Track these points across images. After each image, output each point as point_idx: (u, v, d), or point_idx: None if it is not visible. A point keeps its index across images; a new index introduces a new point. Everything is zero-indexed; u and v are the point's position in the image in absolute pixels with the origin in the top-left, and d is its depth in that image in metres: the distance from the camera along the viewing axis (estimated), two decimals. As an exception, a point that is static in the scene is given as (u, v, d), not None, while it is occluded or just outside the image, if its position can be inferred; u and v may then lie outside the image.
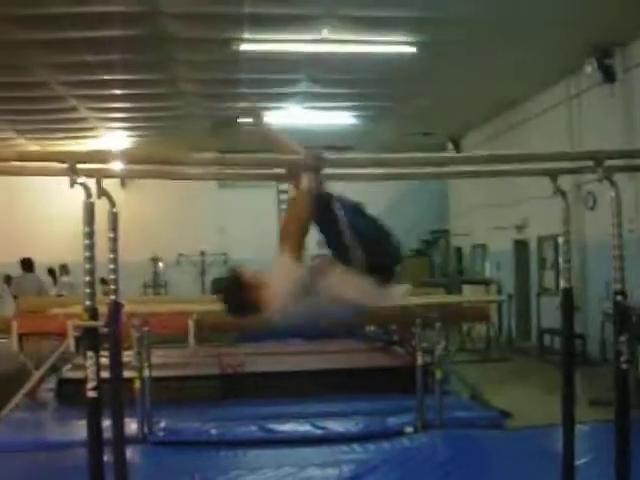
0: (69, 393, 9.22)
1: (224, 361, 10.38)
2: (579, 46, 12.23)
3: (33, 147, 19.60)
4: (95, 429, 3.67)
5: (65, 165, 3.61)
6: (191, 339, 8.93)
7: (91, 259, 3.65)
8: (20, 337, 9.65)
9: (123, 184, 20.80)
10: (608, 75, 12.46)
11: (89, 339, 3.64)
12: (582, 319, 13.20)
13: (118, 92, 14.56)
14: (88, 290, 3.65)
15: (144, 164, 4.35)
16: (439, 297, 11.25)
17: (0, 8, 9.99)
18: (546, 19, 10.68)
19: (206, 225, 22.38)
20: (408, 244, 23.19)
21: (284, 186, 22.14)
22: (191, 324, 8.85)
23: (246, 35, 11.32)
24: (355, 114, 17.21)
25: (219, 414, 8.44)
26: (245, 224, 22.11)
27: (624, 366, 4.13)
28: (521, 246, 17.11)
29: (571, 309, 4.77)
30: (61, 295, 15.97)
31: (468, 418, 8.28)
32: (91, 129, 17.92)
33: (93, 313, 3.64)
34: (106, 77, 13.37)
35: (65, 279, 17.71)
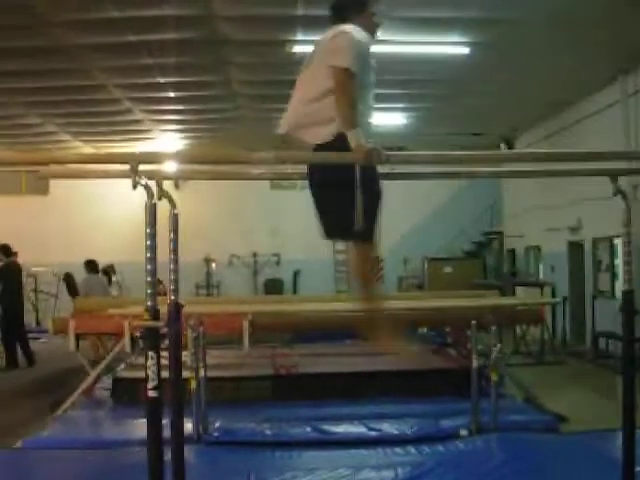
0: (124, 392, 9.35)
1: (277, 362, 10.42)
2: (635, 44, 12.05)
3: (88, 149, 19.88)
4: (156, 429, 3.69)
5: (127, 167, 3.64)
6: (246, 340, 8.99)
7: (153, 260, 3.67)
8: (77, 337, 9.78)
9: (177, 185, 20.96)
10: (665, 74, 12.28)
11: (150, 339, 3.66)
12: (639, 323, 12.99)
13: (172, 94, 14.71)
14: (149, 290, 3.68)
15: (205, 164, 4.38)
16: (493, 299, 11.18)
17: (57, 13, 10.16)
18: (601, 18, 10.55)
19: (258, 226, 22.49)
20: (461, 246, 23.11)
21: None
22: (246, 325, 8.91)
23: (299, 37, 11.35)
24: (407, 114, 17.16)
25: (273, 415, 8.45)
26: (297, 225, 22.09)
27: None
28: (576, 248, 16.90)
29: (632, 312, 4.70)
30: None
31: (523, 422, 8.19)
32: (145, 131, 18.12)
33: (155, 313, 3.66)
34: (161, 80, 13.52)
35: (113, 279, 17.90)
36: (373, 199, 4.32)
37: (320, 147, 4.23)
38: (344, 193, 4.17)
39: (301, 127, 4.37)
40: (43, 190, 22.39)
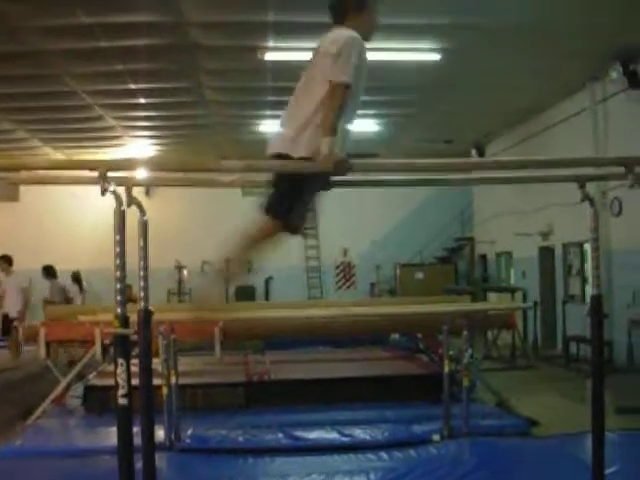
0: (95, 400, 9.28)
1: (250, 369, 10.40)
2: (604, 52, 12.19)
3: (59, 155, 19.77)
4: (126, 436, 3.68)
5: (96, 173, 3.63)
6: (217, 347, 8.96)
7: (122, 267, 3.67)
8: (48, 344, 9.71)
9: (147, 192, 20.94)
10: (633, 80, 12.39)
11: (120, 346, 3.66)
12: (608, 326, 13.11)
13: (143, 101, 14.66)
14: (119, 298, 3.67)
15: (174, 171, 4.38)
16: (464, 304, 11.22)
17: (29, 19, 10.11)
18: (570, 25, 10.67)
19: (230, 232, 22.38)
20: (433, 252, 23.21)
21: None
22: (217, 332, 8.89)
23: (271, 43, 11.37)
24: (379, 121, 17.21)
25: (245, 421, 8.44)
26: (269, 232, 22.13)
27: (654, 374, 4.10)
28: (546, 253, 17.03)
29: (600, 316, 4.74)
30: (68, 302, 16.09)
31: (495, 426, 8.23)
32: (116, 138, 18.05)
33: (124, 321, 3.66)
34: (132, 86, 13.48)
35: (76, 287, 17.84)
36: (308, 196, 4.41)
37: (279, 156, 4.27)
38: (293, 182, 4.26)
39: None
40: (13, 196, 22.22)
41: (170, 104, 15.12)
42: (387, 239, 23.05)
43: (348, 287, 23.77)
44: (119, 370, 3.62)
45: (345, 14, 4.41)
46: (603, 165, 4.85)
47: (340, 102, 4.11)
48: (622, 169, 4.16)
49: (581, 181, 4.44)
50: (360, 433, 7.90)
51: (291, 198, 4.30)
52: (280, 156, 4.25)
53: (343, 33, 4.28)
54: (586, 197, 4.54)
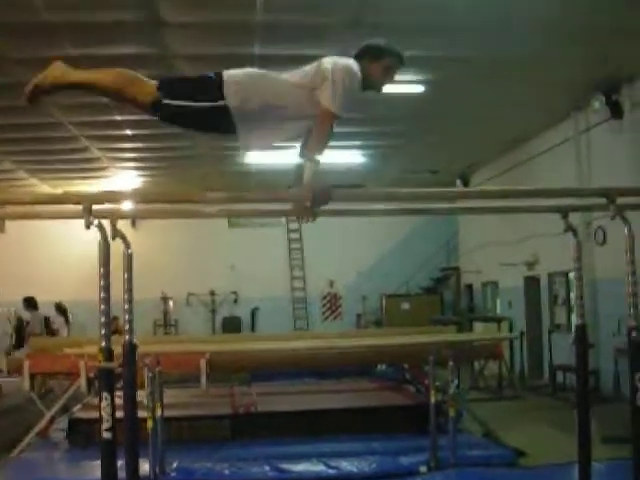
0: (80, 433, 9.20)
1: (236, 401, 10.36)
2: (586, 82, 12.30)
3: (45, 187, 19.74)
4: (110, 470, 3.66)
5: (80, 207, 3.64)
6: (203, 379, 8.93)
7: (107, 300, 3.66)
8: (32, 377, 9.66)
9: (133, 224, 20.92)
10: (616, 110, 12.51)
11: (105, 380, 3.65)
12: (595, 355, 13.13)
13: (130, 132, 14.67)
14: (104, 331, 3.67)
15: (158, 203, 4.38)
16: (450, 335, 11.24)
17: (15, 50, 10.13)
18: (553, 56, 10.75)
19: (216, 264, 22.42)
20: (419, 282, 23.23)
21: (294, 225, 22.34)
22: (203, 363, 8.86)
23: (256, 76, 11.39)
24: (364, 153, 17.28)
25: (231, 454, 8.40)
26: (255, 263, 22.17)
27: (640, 403, 4.11)
28: (532, 283, 17.06)
29: (585, 346, 4.76)
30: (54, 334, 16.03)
31: (482, 456, 8.22)
32: (102, 169, 18.03)
33: (109, 354, 3.65)
34: (118, 117, 13.48)
35: (61, 318, 17.78)
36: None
37: None
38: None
39: None
40: (-1, 227, 22.18)
41: (156, 136, 15.11)
42: (373, 270, 23.07)
43: (334, 318, 23.73)
44: (103, 404, 3.61)
45: (361, 58, 4.42)
46: (585, 196, 4.89)
47: (328, 129, 4.16)
48: (604, 200, 4.20)
49: (564, 211, 4.49)
50: (347, 465, 7.88)
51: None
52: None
53: (349, 61, 4.31)
54: (569, 227, 4.59)
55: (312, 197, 4.06)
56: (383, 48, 4.48)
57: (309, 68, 4.36)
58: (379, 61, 4.43)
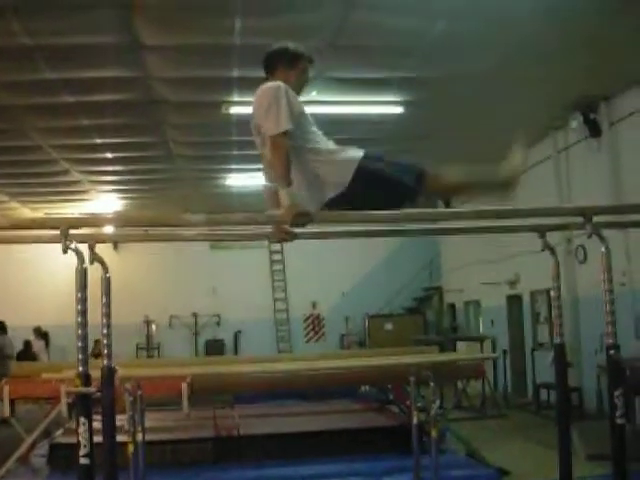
0: (61, 458, 9.10)
1: (218, 424, 10.29)
2: (564, 101, 12.42)
3: (26, 210, 19.66)
4: (88, 496, 3.62)
5: (57, 231, 3.62)
6: (185, 402, 8.86)
7: (84, 325, 3.64)
8: (12, 402, 9.57)
9: (115, 246, 20.86)
10: (594, 129, 12.62)
11: (82, 405, 3.62)
12: (577, 372, 13.17)
13: (110, 155, 14.66)
14: (81, 356, 3.64)
15: (136, 227, 4.37)
16: (433, 355, 11.23)
17: (-6, 74, 10.13)
18: (531, 76, 10.85)
19: (198, 287, 22.35)
20: (402, 302, 23.23)
21: (276, 246, 22.32)
22: (185, 387, 8.80)
23: (236, 98, 11.44)
24: (345, 173, 17.30)
25: (213, 477, 8.37)
26: (237, 285, 22.14)
27: (619, 421, 4.11)
28: (514, 301, 17.12)
29: (564, 365, 4.77)
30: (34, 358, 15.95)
31: (465, 477, 8.22)
32: (84, 192, 17.99)
33: (86, 379, 3.62)
34: (98, 140, 13.48)
35: (41, 342, 17.72)
36: None
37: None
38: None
39: None
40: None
41: (136, 158, 15.13)
42: (356, 290, 23.06)
43: (318, 339, 23.69)
44: (81, 429, 3.58)
45: (275, 69, 4.46)
46: (562, 215, 4.91)
47: (283, 152, 4.09)
48: (581, 219, 4.21)
49: (541, 231, 4.51)
50: (330, 487, 7.85)
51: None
52: None
53: (268, 85, 4.30)
54: (546, 246, 4.61)
55: (291, 219, 4.05)
56: (297, 54, 4.53)
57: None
58: (295, 68, 4.48)
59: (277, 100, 4.16)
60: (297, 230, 4.26)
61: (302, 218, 4.04)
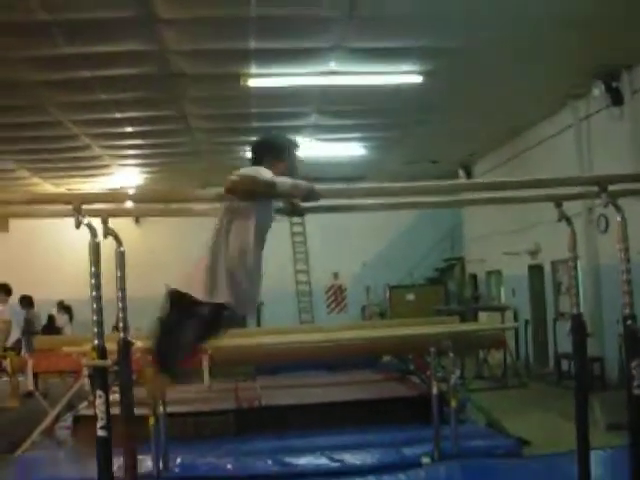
0: (85, 430, 9.17)
1: (240, 395, 10.35)
2: (586, 70, 12.26)
3: (48, 186, 19.76)
4: (106, 467, 3.68)
5: (71, 206, 3.65)
6: (206, 374, 8.93)
7: (99, 298, 3.67)
8: (35, 375, 9.68)
9: (137, 220, 20.94)
10: (616, 98, 12.46)
11: (98, 378, 3.66)
12: (599, 342, 13.12)
13: (130, 129, 14.69)
14: (96, 329, 3.67)
15: (149, 202, 4.38)
16: (453, 325, 11.22)
17: (14, 50, 10.14)
18: (552, 44, 10.72)
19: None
20: (423, 272, 23.20)
21: (297, 218, 22.31)
22: (205, 359, 8.86)
23: (254, 70, 11.40)
24: (365, 145, 17.28)
25: (235, 449, 8.38)
26: (260, 256, 22.12)
27: (637, 391, 4.10)
28: (536, 271, 17.05)
29: (583, 335, 4.75)
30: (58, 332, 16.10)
31: (485, 447, 8.19)
32: (104, 167, 18.05)
33: (102, 352, 3.66)
34: (117, 115, 13.50)
35: (65, 317, 17.87)
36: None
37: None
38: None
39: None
40: (3, 227, 22.14)
41: (156, 132, 15.15)
42: (377, 261, 23.05)
43: (339, 310, 23.74)
44: (98, 402, 3.63)
45: (261, 160, 4.37)
46: (578, 184, 4.88)
47: (240, 183, 4.02)
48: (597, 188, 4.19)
49: (557, 200, 4.48)
50: (350, 458, 7.86)
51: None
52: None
53: (241, 171, 4.20)
54: (563, 216, 4.58)
55: (303, 194, 4.05)
56: (283, 147, 4.49)
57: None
58: (282, 159, 4.40)
59: (255, 171, 4.14)
60: (314, 204, 4.27)
61: (312, 193, 4.05)
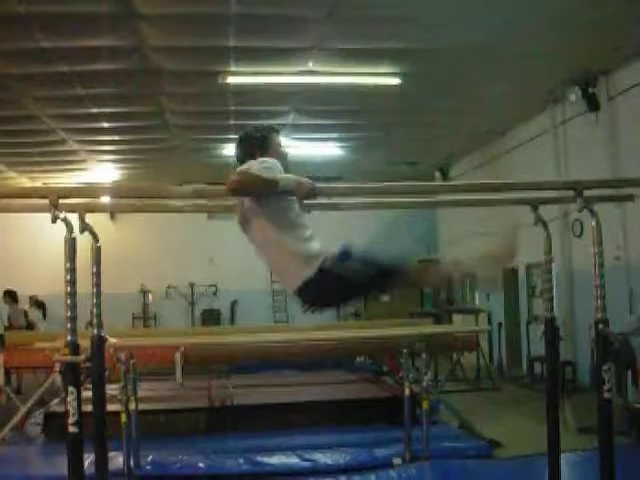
0: (56, 427, 9.13)
1: (213, 394, 10.34)
2: (563, 75, 12.34)
3: (24, 180, 19.61)
4: (77, 464, 3.66)
5: (47, 201, 3.62)
6: (178, 372, 8.91)
7: (73, 295, 3.65)
8: (7, 371, 9.62)
9: (112, 216, 20.84)
10: (592, 103, 12.55)
11: (70, 374, 3.64)
12: (572, 346, 13.21)
13: (106, 125, 14.60)
14: (69, 325, 3.65)
15: (126, 198, 4.36)
16: (426, 327, 11.27)
17: (-16, 43, 10.07)
18: (530, 49, 10.77)
19: (195, 256, 22.34)
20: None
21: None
22: (178, 356, 8.84)
23: (232, 68, 11.38)
24: (341, 145, 17.29)
25: (207, 447, 8.39)
26: (235, 255, 22.00)
27: (607, 395, 4.13)
28: (510, 274, 17.12)
29: (555, 339, 4.78)
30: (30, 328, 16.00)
31: (457, 448, 8.25)
32: (81, 162, 17.94)
33: (74, 348, 3.63)
34: (94, 110, 13.41)
35: (38, 312, 17.76)
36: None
37: (305, 286, 4.28)
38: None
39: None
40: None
41: (133, 128, 15.07)
42: (353, 261, 23.02)
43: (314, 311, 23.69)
44: (69, 398, 3.60)
45: (252, 156, 4.39)
46: (555, 189, 4.92)
47: (241, 179, 4.00)
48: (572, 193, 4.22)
49: (533, 204, 4.51)
50: (321, 457, 7.90)
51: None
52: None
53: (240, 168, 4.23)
54: (539, 220, 4.61)
55: (309, 194, 4.05)
56: (264, 136, 4.53)
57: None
58: (269, 149, 4.46)
59: (261, 162, 4.18)
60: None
61: (308, 191, 4.05)
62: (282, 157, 4.47)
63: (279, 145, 4.56)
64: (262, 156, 4.34)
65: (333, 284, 4.23)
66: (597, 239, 4.18)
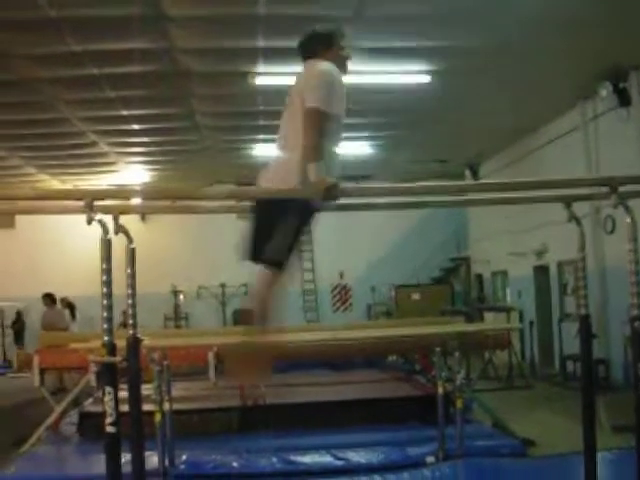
0: (91, 426, 9.20)
1: (245, 393, 10.36)
2: (594, 70, 12.25)
3: (54, 183, 19.79)
4: (114, 464, 3.68)
5: (82, 202, 3.65)
6: (211, 371, 8.95)
7: (109, 295, 3.68)
8: (42, 372, 9.70)
9: (143, 218, 20.96)
10: (623, 98, 12.45)
11: (107, 374, 3.66)
12: (605, 343, 13.11)
13: (137, 127, 14.70)
14: (106, 326, 3.68)
15: (159, 199, 4.39)
16: (458, 325, 11.22)
17: (22, 47, 10.18)
18: (560, 45, 10.71)
19: (226, 257, 22.26)
20: (429, 272, 23.18)
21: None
22: (211, 356, 8.87)
23: (261, 69, 11.42)
24: (372, 143, 17.27)
25: (240, 446, 8.40)
26: (265, 255, 22.12)
27: (644, 392, 4.09)
28: (541, 272, 17.03)
29: (589, 336, 4.74)
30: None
31: (490, 447, 8.20)
32: (111, 164, 18.08)
33: (111, 348, 3.66)
34: (124, 112, 13.51)
35: (76, 314, 17.96)
36: (295, 232, 4.32)
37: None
38: (278, 220, 4.24)
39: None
40: (9, 223, 22.18)
41: (163, 130, 15.17)
42: (383, 260, 23.02)
43: (345, 309, 23.74)
44: (107, 398, 3.63)
45: (315, 53, 4.55)
46: (588, 185, 4.87)
47: (316, 127, 4.16)
48: (607, 189, 4.18)
49: (566, 201, 4.47)
50: (354, 456, 7.89)
51: (272, 230, 4.27)
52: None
53: (316, 66, 4.41)
54: (572, 217, 4.57)
55: (325, 195, 4.05)
56: (329, 34, 4.63)
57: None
58: (331, 48, 4.56)
59: (331, 85, 4.33)
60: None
61: (333, 192, 4.04)
62: (342, 60, 4.61)
63: (341, 48, 4.64)
64: (325, 53, 4.50)
65: (284, 209, 4.25)
66: (631, 235, 4.14)
